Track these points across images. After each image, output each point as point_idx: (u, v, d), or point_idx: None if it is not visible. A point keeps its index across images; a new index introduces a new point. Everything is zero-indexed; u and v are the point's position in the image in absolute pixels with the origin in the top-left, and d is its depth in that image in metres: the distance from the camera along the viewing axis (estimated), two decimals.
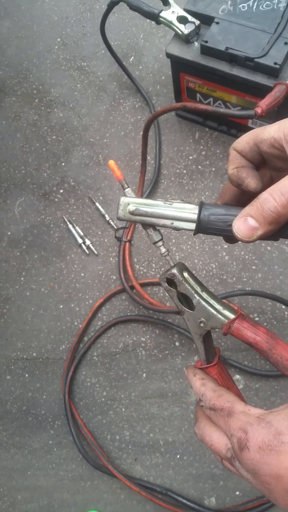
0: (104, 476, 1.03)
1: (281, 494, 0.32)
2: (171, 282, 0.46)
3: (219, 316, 0.44)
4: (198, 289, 0.45)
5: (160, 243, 0.47)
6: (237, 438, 0.35)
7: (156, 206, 0.44)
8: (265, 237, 0.39)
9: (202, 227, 0.43)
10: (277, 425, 0.33)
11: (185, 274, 0.46)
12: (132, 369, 1.08)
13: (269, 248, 1.09)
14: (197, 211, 0.42)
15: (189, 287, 0.45)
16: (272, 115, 1.01)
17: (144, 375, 1.08)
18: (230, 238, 0.42)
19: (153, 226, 0.46)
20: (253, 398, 1.01)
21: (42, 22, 1.45)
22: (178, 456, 1.02)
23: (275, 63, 0.90)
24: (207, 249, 1.11)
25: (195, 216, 0.42)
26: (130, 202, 0.44)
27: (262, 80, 0.93)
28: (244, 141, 0.43)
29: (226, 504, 0.98)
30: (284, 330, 1.04)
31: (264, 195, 0.37)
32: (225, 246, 1.10)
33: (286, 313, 1.04)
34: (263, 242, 1.09)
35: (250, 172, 0.43)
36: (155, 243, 0.47)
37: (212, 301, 0.45)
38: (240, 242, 0.40)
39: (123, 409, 1.07)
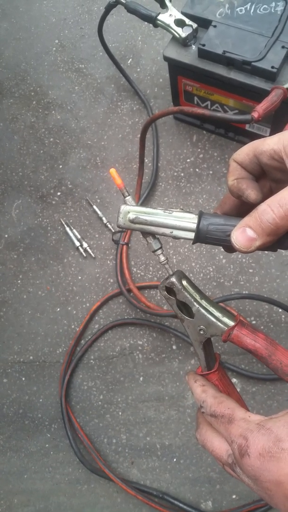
0: (100, 480, 1.03)
1: (281, 500, 0.32)
2: (170, 290, 0.46)
3: (219, 323, 0.44)
4: (197, 297, 0.46)
5: (159, 252, 0.47)
6: (237, 444, 0.35)
7: (156, 215, 0.44)
8: (263, 248, 0.39)
9: (201, 236, 0.43)
10: (277, 431, 0.33)
11: (184, 282, 0.46)
12: (129, 372, 1.08)
13: (266, 251, 1.09)
14: (196, 221, 0.43)
15: (188, 295, 0.45)
16: (269, 119, 1.01)
17: (141, 378, 1.07)
18: (229, 247, 0.43)
19: (153, 235, 0.46)
20: (250, 401, 1.01)
21: (40, 23, 1.45)
22: (174, 459, 1.02)
23: (272, 67, 0.90)
24: (204, 252, 1.11)
25: (194, 226, 0.43)
26: (131, 210, 0.44)
27: (259, 83, 0.93)
28: (244, 152, 0.43)
29: (223, 507, 0.98)
30: (281, 333, 1.04)
31: (263, 206, 0.37)
32: (223, 250, 1.10)
33: (283, 316, 1.04)
34: None
35: (250, 184, 0.43)
36: (154, 251, 0.47)
37: (211, 309, 0.45)
38: (246, 253, 0.40)
39: (120, 413, 1.07)
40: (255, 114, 0.81)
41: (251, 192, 0.42)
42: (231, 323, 0.44)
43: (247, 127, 1.09)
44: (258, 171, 0.44)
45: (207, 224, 0.42)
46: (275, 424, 0.34)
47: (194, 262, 1.11)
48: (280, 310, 1.04)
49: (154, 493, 0.99)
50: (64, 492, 1.05)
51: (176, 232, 0.44)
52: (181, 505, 0.97)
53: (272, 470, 0.32)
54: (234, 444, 0.36)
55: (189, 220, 0.43)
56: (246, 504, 0.96)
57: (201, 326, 0.45)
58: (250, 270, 1.08)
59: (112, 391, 1.08)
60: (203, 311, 0.45)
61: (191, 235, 0.43)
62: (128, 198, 0.46)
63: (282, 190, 0.37)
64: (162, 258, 0.47)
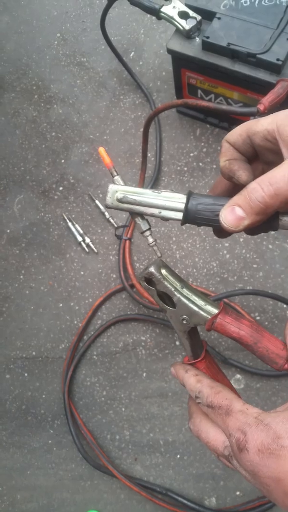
0: (104, 476, 1.03)
1: (280, 496, 0.32)
2: (150, 281, 0.45)
3: (201, 312, 0.43)
4: (178, 286, 0.44)
5: (147, 233, 0.46)
6: (235, 438, 0.35)
7: (145, 195, 0.43)
8: (251, 227, 0.39)
9: (190, 216, 0.42)
10: (275, 428, 0.33)
11: (164, 272, 0.45)
12: (132, 368, 1.08)
13: (270, 246, 1.08)
14: (185, 200, 0.42)
15: (168, 285, 0.44)
16: (275, 112, 1.00)
17: (144, 374, 1.07)
18: (219, 231, 0.42)
19: (141, 215, 0.45)
20: (254, 397, 1.01)
21: (42, 17, 1.43)
22: (178, 456, 1.02)
23: (278, 59, 0.89)
24: (208, 247, 1.10)
25: (183, 206, 0.42)
26: (118, 189, 0.44)
27: (264, 76, 0.92)
28: (237, 133, 0.42)
29: (227, 504, 0.97)
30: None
31: (253, 184, 0.37)
32: (226, 244, 1.09)
33: (287, 312, 1.03)
34: (264, 241, 1.08)
35: (242, 165, 0.42)
36: (142, 232, 0.46)
37: (193, 298, 0.44)
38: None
39: (123, 409, 1.06)
40: (261, 107, 0.79)
41: (242, 173, 0.41)
42: (215, 311, 0.42)
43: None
44: (250, 152, 0.43)
45: (196, 204, 0.41)
46: (274, 420, 0.33)
47: (197, 257, 1.10)
48: (284, 305, 1.03)
49: (157, 489, 0.99)
50: (67, 488, 1.05)
51: (165, 213, 0.43)
52: (184, 501, 0.97)
53: (272, 467, 0.32)
54: (232, 438, 0.35)
55: (178, 200, 0.42)
56: (250, 501, 0.96)
57: (184, 316, 0.44)
58: (254, 265, 1.07)
59: (115, 387, 1.08)
60: (184, 300, 0.43)
61: (180, 215, 0.42)
62: (117, 178, 0.45)
63: (273, 169, 0.36)
64: (150, 239, 0.46)
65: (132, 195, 0.43)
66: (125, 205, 0.44)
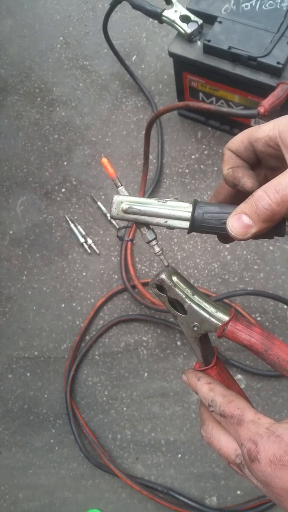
0: (105, 475, 1.04)
1: None
2: (161, 287, 0.45)
3: (212, 319, 0.43)
4: (189, 293, 0.44)
5: (153, 242, 0.46)
6: (247, 448, 0.35)
7: (150, 205, 0.43)
8: (259, 234, 0.38)
9: (196, 225, 0.42)
10: (287, 439, 0.33)
11: (175, 279, 0.45)
12: (134, 368, 1.08)
13: (271, 247, 1.09)
14: (191, 209, 0.42)
15: (179, 292, 0.44)
16: (275, 115, 1.01)
17: (145, 374, 1.08)
18: (224, 237, 0.42)
19: (147, 225, 0.45)
20: (255, 398, 1.01)
21: (45, 21, 1.45)
22: (179, 455, 1.02)
23: (278, 63, 0.90)
24: (209, 248, 1.11)
25: (189, 215, 0.42)
26: (124, 200, 0.44)
27: (265, 79, 0.93)
28: (238, 140, 0.42)
29: (227, 503, 0.98)
30: (286, 330, 1.04)
31: (259, 192, 0.37)
32: (227, 246, 1.10)
33: None
34: (265, 242, 1.09)
35: (245, 172, 0.42)
36: (148, 242, 0.46)
37: (204, 304, 0.44)
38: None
39: (125, 408, 1.07)
40: (261, 109, 0.81)
41: (247, 180, 0.41)
42: (225, 318, 0.42)
43: (252, 123, 1.09)
44: (253, 159, 0.43)
45: (202, 213, 0.41)
46: (286, 431, 0.34)
47: (199, 259, 1.11)
48: (285, 306, 1.04)
49: (159, 488, 0.99)
50: (69, 487, 1.05)
51: (171, 222, 0.43)
52: (186, 500, 0.97)
53: (284, 478, 0.32)
54: (243, 448, 0.35)
55: (184, 209, 0.42)
56: (250, 500, 0.96)
57: (195, 323, 0.44)
58: (255, 267, 1.08)
59: (116, 386, 1.08)
60: (195, 307, 0.44)
61: (186, 224, 0.42)
62: (121, 188, 0.45)
63: (278, 176, 0.36)
64: (157, 249, 0.46)
65: (138, 205, 0.43)
66: (131, 216, 0.43)
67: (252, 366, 1.02)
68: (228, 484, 0.99)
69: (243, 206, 0.38)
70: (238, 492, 0.98)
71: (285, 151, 0.38)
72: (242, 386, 1.02)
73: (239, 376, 1.03)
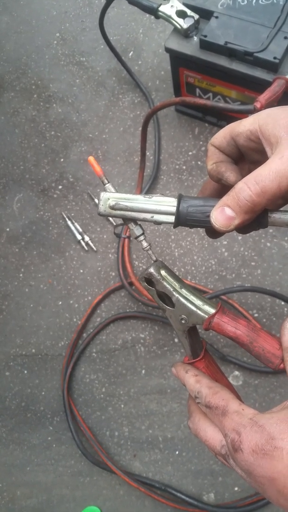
0: (103, 472, 1.04)
1: (274, 494, 0.33)
2: (149, 281, 0.46)
3: (199, 312, 0.44)
4: (177, 286, 0.45)
5: (141, 238, 0.47)
6: (230, 438, 0.36)
7: (136, 200, 0.44)
8: (242, 226, 0.39)
9: (182, 219, 0.43)
10: (269, 429, 0.34)
11: (163, 272, 0.46)
12: (131, 365, 1.08)
13: (268, 244, 1.08)
14: (175, 204, 0.43)
15: (167, 285, 0.45)
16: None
17: (143, 371, 1.07)
18: (212, 231, 0.43)
19: (134, 221, 0.46)
20: (252, 394, 1.01)
21: (41, 17, 1.44)
22: (177, 452, 1.02)
23: (275, 58, 0.90)
24: (206, 245, 1.11)
25: (174, 209, 0.43)
26: (110, 197, 0.45)
27: (261, 74, 0.93)
28: (221, 136, 0.43)
29: (225, 499, 0.98)
30: None
31: (240, 184, 0.38)
32: (225, 243, 1.10)
33: (285, 309, 1.04)
34: (262, 239, 1.08)
35: (229, 166, 0.43)
36: (136, 237, 0.47)
37: (191, 298, 0.45)
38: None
39: (122, 406, 1.07)
40: (258, 104, 0.80)
41: (230, 174, 0.43)
42: (212, 311, 0.43)
43: None
44: (236, 154, 0.44)
45: (186, 207, 0.42)
46: (268, 421, 0.34)
47: (196, 255, 1.11)
48: (282, 303, 1.04)
49: (156, 485, 0.99)
50: (66, 485, 1.05)
51: (157, 217, 0.44)
52: (183, 497, 0.97)
53: (265, 467, 0.33)
54: (227, 438, 0.36)
55: (169, 204, 0.43)
56: (248, 496, 0.96)
57: (182, 316, 0.45)
58: (252, 263, 1.08)
59: (114, 384, 1.08)
60: (183, 300, 0.45)
61: (172, 218, 0.43)
62: (108, 186, 0.46)
63: (258, 168, 0.37)
64: (144, 244, 0.47)
65: (124, 201, 0.44)
66: (118, 212, 0.44)
67: (249, 363, 1.02)
68: (225, 481, 0.99)
69: (225, 199, 0.39)
70: (236, 489, 0.98)
71: (266, 144, 0.39)
72: (240, 383, 1.02)
73: (236, 373, 1.03)
